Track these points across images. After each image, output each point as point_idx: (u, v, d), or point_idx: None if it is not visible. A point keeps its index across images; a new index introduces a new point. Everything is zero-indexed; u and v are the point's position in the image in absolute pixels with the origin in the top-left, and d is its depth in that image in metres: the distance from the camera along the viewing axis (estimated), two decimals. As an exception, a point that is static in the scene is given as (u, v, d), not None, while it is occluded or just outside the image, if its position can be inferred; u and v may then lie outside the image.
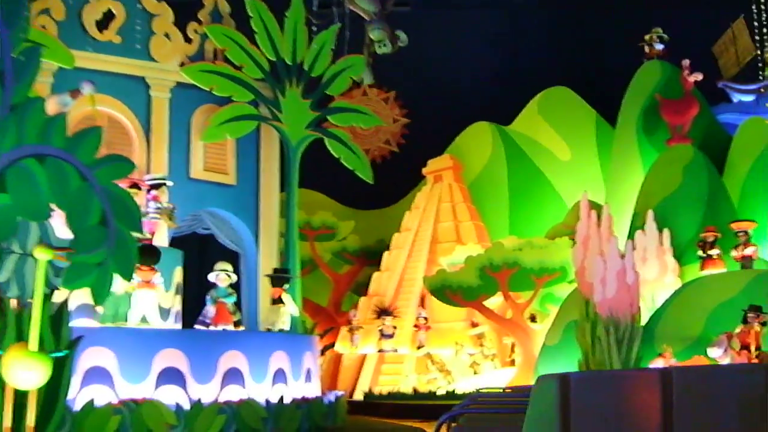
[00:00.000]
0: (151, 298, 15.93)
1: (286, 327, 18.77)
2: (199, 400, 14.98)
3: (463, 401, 12.51)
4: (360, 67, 22.46)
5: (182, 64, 20.47)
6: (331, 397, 18.33)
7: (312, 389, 18.09)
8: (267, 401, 15.98)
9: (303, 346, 18.02)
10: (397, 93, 35.48)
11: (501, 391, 15.01)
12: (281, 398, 16.24)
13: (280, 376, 16.78)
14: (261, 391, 16.16)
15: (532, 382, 21.11)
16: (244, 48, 21.14)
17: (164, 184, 17.85)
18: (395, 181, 33.44)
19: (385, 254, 31.01)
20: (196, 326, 17.19)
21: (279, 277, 19.21)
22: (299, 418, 16.45)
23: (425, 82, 34.93)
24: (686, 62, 26.31)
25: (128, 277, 10.47)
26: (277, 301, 18.93)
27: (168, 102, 20.21)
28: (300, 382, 17.48)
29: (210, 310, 17.32)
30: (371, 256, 32.36)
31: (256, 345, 16.48)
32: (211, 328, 17.10)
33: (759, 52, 28.27)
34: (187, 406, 14.82)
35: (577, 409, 5.65)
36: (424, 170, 32.05)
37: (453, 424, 11.51)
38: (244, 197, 21.18)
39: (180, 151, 20.22)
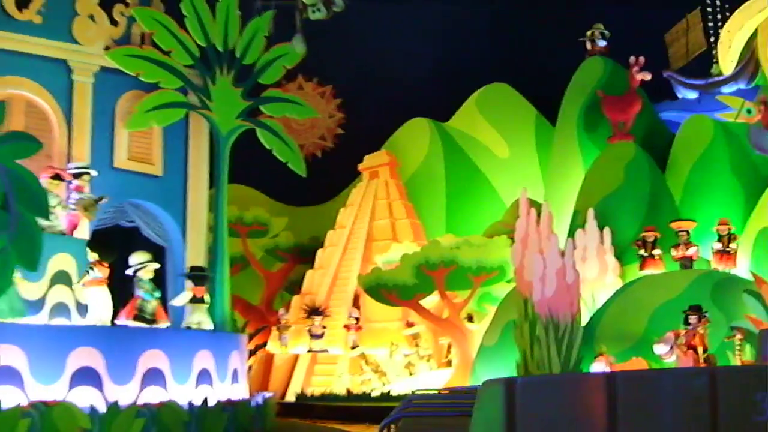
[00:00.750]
0: (105, 295, 15.15)
1: (209, 326, 17.88)
2: (116, 403, 14.09)
3: (402, 404, 12.29)
4: (295, 57, 21.59)
5: (107, 48, 19.58)
6: (258, 399, 17.45)
7: (239, 391, 17.26)
8: (190, 404, 15.11)
9: (229, 346, 17.18)
10: (334, 87, 35.26)
11: (437, 392, 14.40)
12: (205, 400, 15.37)
13: (204, 376, 15.92)
14: (184, 392, 15.30)
15: (468, 383, 20.95)
16: (173, 32, 20.25)
17: (87, 173, 16.89)
18: (330, 177, 33.16)
19: (319, 252, 30.57)
20: (136, 322, 16.22)
21: (200, 276, 18.29)
22: (224, 421, 15.60)
23: (362, 77, 34.08)
24: (636, 59, 25.90)
25: (32, 267, 9.55)
26: (199, 300, 18.03)
27: (91, 87, 19.31)
28: (226, 384, 16.64)
29: (151, 304, 16.43)
30: (304, 254, 31.88)
31: (178, 344, 15.60)
32: (155, 325, 16.20)
33: (714, 46, 27.92)
34: (102, 408, 13.92)
35: (523, 412, 5.70)
36: (360, 166, 31.58)
37: (392, 427, 11.45)
38: (171, 189, 20.28)
39: (103, 140, 19.29)
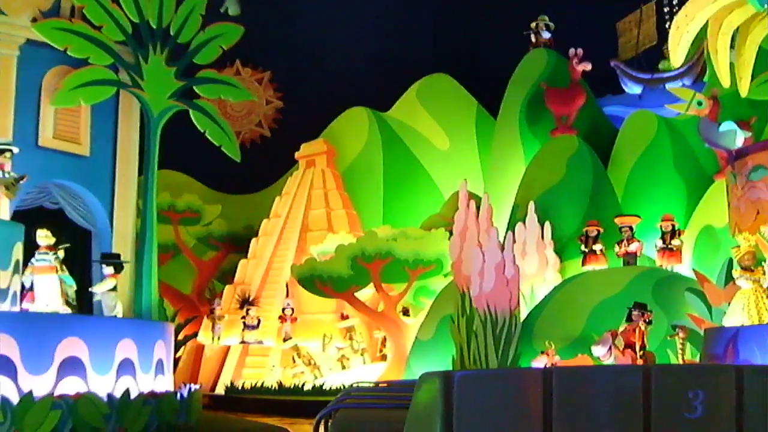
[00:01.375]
0: (54, 283, 14.77)
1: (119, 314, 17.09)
2: (30, 393, 13.22)
3: (340, 395, 12.03)
4: (232, 36, 20.77)
5: (34, 20, 18.55)
6: (184, 391, 16.67)
7: (164, 383, 16.46)
8: (109, 395, 14.28)
9: (154, 335, 16.35)
10: (272, 74, 34.83)
11: (375, 385, 14.21)
12: (126, 392, 14.55)
13: (126, 367, 15.09)
14: (104, 384, 14.46)
15: (402, 377, 20.48)
16: (104, 6, 19.30)
17: (9, 150, 16.02)
18: (266, 165, 32.82)
19: (253, 241, 30.03)
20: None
21: (116, 263, 17.48)
22: (147, 414, 14.80)
23: (301, 64, 33.85)
24: (577, 51, 25.57)
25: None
26: (114, 288, 17.23)
27: (16, 60, 18.30)
28: (150, 375, 15.84)
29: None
30: (238, 243, 31.25)
31: (99, 332, 14.74)
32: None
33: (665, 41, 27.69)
34: (15, 399, 13.04)
35: (460, 406, 5.71)
36: (297, 155, 31.13)
37: (330, 420, 11.06)
38: (99, 170, 19.34)
39: (28, 116, 18.30)
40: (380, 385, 14.72)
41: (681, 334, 17.00)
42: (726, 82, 15.21)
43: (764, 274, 13.79)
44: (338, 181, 30.52)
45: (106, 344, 14.73)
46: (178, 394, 16.43)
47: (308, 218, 29.66)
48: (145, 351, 15.76)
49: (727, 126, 14.16)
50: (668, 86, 24.87)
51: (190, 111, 20.17)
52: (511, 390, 6.06)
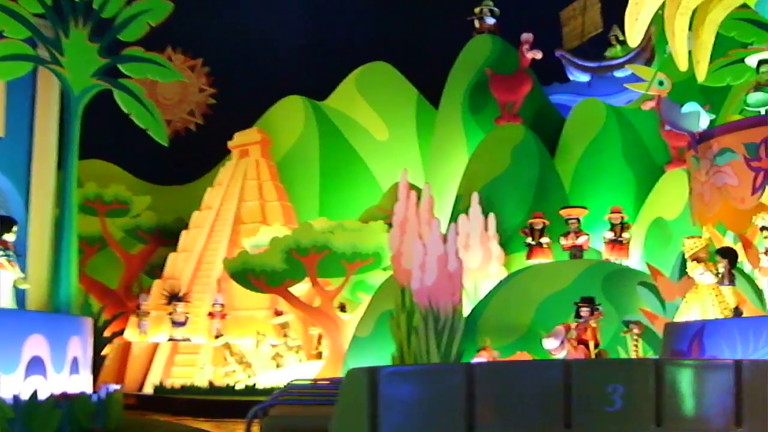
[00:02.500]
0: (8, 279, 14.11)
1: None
2: (-75, 395, 11.94)
3: (276, 392, 11.84)
4: (161, 13, 19.54)
5: (-59, -11, 17.24)
6: (102, 392, 15.40)
7: (79, 383, 15.18)
8: (16, 398, 12.98)
9: (68, 330, 15.06)
10: (205, 60, 34.16)
11: (312, 382, 13.80)
12: (34, 394, 13.25)
13: (36, 366, 13.78)
14: (10, 384, 13.15)
15: (340, 376, 19.49)
16: (21, -24, 18.02)
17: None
18: (198, 155, 32.54)
19: (183, 234, 29.48)
20: None
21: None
22: (58, 418, 13.51)
23: (236, 51, 33.58)
24: (528, 36, 24.99)
25: None
26: None
27: None
28: (63, 374, 14.56)
29: None
30: (168, 236, 30.66)
31: (5, 327, 13.42)
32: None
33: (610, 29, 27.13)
34: None
35: (385, 401, 5.73)
36: (230, 144, 30.56)
37: (264, 417, 10.77)
38: (14, 153, 17.96)
39: (-65, 92, 16.98)
40: (318, 382, 14.29)
41: (635, 330, 16.31)
42: (683, 66, 14.38)
43: (717, 268, 12.97)
44: (273, 172, 30.03)
45: (12, 340, 13.42)
46: (95, 396, 15.17)
47: (241, 210, 29.16)
48: (58, 348, 14.48)
49: (691, 107, 13.30)
50: (617, 73, 24.33)
51: (114, 91, 18.91)
52: (436, 385, 6.10)
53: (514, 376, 6.22)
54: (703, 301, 12.76)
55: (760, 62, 13.59)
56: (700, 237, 12.84)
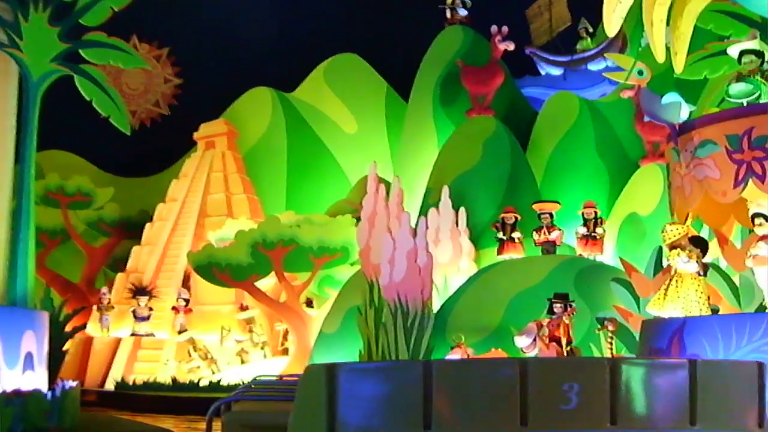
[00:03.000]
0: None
1: None
2: None
3: (239, 388, 11.90)
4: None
5: None
6: (58, 389, 14.86)
7: (34, 380, 14.62)
8: (-36, 396, 12.46)
9: (22, 325, 14.51)
10: (171, 50, 33.51)
11: (277, 378, 13.67)
12: (-16, 391, 12.73)
13: (-14, 362, 13.25)
14: (-42, 381, 12.63)
15: None
16: (-23, -43, 17.45)
17: None
18: (163, 147, 32.36)
19: (147, 227, 29.08)
20: None
21: None
22: (9, 416, 12.96)
23: (202, 40, 33.36)
24: (501, 29, 24.56)
25: None
26: None
27: None
28: (16, 371, 14.00)
29: None
30: (131, 229, 30.21)
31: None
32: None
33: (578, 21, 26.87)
34: None
35: (344, 398, 5.80)
36: (196, 135, 30.22)
37: (227, 413, 10.58)
38: (-31, 140, 17.40)
39: None
40: (283, 378, 14.05)
41: (610, 327, 15.85)
42: (661, 57, 14.07)
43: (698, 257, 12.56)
44: (239, 165, 29.72)
45: (-38, 335, 12.89)
46: (50, 393, 14.63)
47: (207, 203, 28.89)
48: (11, 343, 13.93)
49: (671, 98, 12.92)
50: (590, 66, 24.08)
51: (75, 77, 18.34)
52: (394, 382, 6.18)
53: (470, 373, 6.23)
54: (687, 294, 12.28)
55: (742, 52, 13.24)
56: (683, 224, 12.35)
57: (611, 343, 15.81)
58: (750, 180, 11.71)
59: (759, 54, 13.11)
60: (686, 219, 12.12)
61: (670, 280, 12.30)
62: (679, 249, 12.15)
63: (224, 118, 30.63)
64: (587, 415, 6.15)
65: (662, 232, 12.37)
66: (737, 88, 12.93)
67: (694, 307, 12.07)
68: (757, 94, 12.70)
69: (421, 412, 6.03)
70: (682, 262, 12.17)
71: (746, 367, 7.00)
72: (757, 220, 12.10)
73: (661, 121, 12.86)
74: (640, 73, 13.14)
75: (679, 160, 12.62)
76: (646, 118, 13.94)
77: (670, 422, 6.54)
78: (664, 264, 16.44)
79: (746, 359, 10.19)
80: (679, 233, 12.20)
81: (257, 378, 13.68)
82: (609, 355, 15.72)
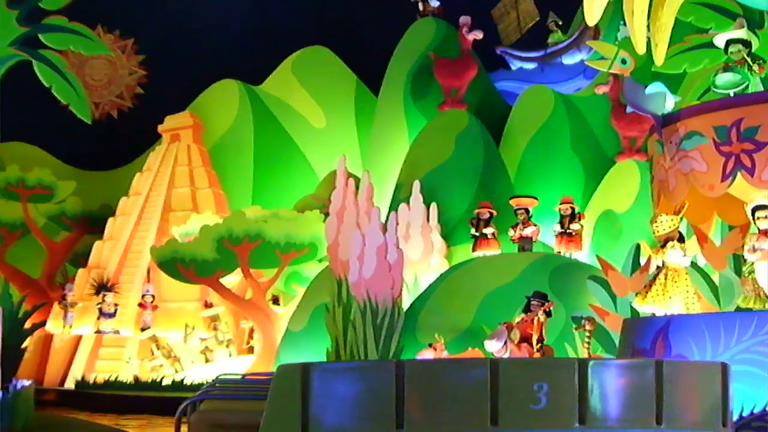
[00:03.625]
0: None
1: None
2: None
3: (205, 387, 11.58)
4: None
5: None
6: (10, 389, 14.19)
7: (-16, 378, 13.97)
8: None
9: (-29, 320, 13.88)
10: (136, 41, 33.57)
11: (241, 377, 13.34)
12: (-74, 392, 12.08)
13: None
14: None
15: (272, 371, 18.71)
16: (-68, -62, 16.86)
17: None
18: (128, 140, 31.95)
19: (110, 221, 28.59)
20: None
21: None
22: (-44, 418, 12.32)
23: (169, 32, 32.47)
24: (465, 19, 24.29)
25: None
26: None
27: None
28: (-35, 370, 13.35)
29: None
30: (94, 223, 29.70)
31: None
32: None
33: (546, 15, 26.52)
34: None
35: (318, 397, 5.91)
36: (160, 128, 29.71)
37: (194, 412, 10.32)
38: (-77, 128, 16.84)
39: None
40: (247, 377, 13.68)
41: (587, 327, 15.40)
42: (641, 48, 13.65)
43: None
44: (205, 158, 29.32)
45: None
46: (1, 394, 13.97)
47: (171, 197, 28.41)
48: (-40, 340, 13.31)
49: (656, 87, 12.43)
50: (564, 59, 23.72)
51: (34, 63, 17.79)
52: (367, 383, 6.25)
53: (441, 374, 6.30)
54: (686, 290, 11.76)
55: (729, 42, 12.79)
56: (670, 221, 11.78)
57: (588, 343, 15.39)
58: (738, 173, 11.27)
59: (746, 43, 12.68)
60: (680, 210, 11.55)
61: (663, 275, 11.75)
62: (675, 242, 11.64)
63: (190, 110, 30.11)
64: (556, 415, 6.20)
65: (653, 223, 11.82)
66: (724, 78, 12.51)
67: (693, 303, 11.58)
68: (744, 85, 12.29)
69: (393, 411, 6.07)
70: (680, 256, 11.65)
71: (710, 368, 7.08)
72: (759, 213, 11.55)
73: (644, 111, 12.38)
74: (624, 62, 12.69)
75: (663, 153, 12.15)
76: (629, 109, 13.42)
77: (637, 422, 6.60)
78: (642, 262, 16.23)
79: (736, 360, 9.91)
80: (674, 225, 11.67)
81: (220, 377, 13.26)
82: (586, 355, 15.35)
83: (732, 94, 12.29)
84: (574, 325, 16.36)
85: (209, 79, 30.95)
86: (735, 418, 9.50)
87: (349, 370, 6.87)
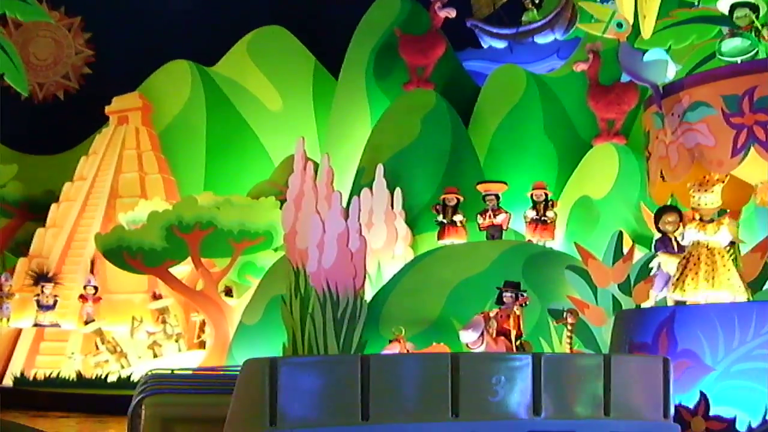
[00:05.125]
0: None
1: None
2: None
3: (145, 382, 10.38)
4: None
5: None
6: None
7: None
8: None
9: None
10: (83, 19, 32.84)
11: (171, 372, 12.17)
12: None
13: None
14: None
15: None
16: None
17: None
18: (74, 122, 30.90)
19: (53, 207, 27.62)
20: None
21: None
22: None
23: (117, 9, 31.72)
24: None
25: None
26: None
27: None
28: None
29: None
30: (36, 210, 28.86)
31: None
32: None
33: None
34: None
35: (285, 392, 6.05)
36: (107, 109, 28.59)
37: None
38: None
39: None
40: (198, 372, 13.21)
41: (569, 320, 14.42)
42: (630, 19, 12.55)
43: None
44: (154, 142, 28.33)
45: None
46: None
47: (118, 182, 27.41)
48: None
49: (655, 54, 11.31)
50: (537, 39, 22.81)
51: (-32, 31, 16.54)
52: (333, 376, 6.41)
53: (404, 368, 6.51)
54: (736, 274, 10.44)
55: (734, 6, 11.65)
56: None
57: (570, 338, 14.37)
58: (752, 147, 10.15)
59: (753, 7, 11.54)
60: (715, 184, 10.28)
61: (706, 256, 10.34)
62: (727, 217, 10.36)
63: (140, 92, 29.22)
64: (511, 406, 6.42)
65: (700, 192, 10.36)
66: (731, 44, 11.36)
67: (740, 288, 10.29)
68: (753, 51, 11.17)
69: (358, 404, 6.22)
70: (726, 238, 10.34)
71: (654, 361, 7.28)
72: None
73: (642, 80, 11.24)
74: (620, 25, 11.48)
75: (662, 127, 11.01)
76: (624, 78, 12.36)
77: (588, 413, 6.84)
78: (624, 251, 15.27)
79: (753, 356, 9.23)
80: (717, 202, 10.34)
81: (151, 372, 12.52)
82: (567, 350, 14.38)
83: (740, 62, 11.18)
84: (552, 319, 15.47)
85: (160, 60, 30.11)
86: (759, 421, 9.17)
87: (316, 364, 6.98)
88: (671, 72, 11.18)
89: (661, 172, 11.11)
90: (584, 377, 6.91)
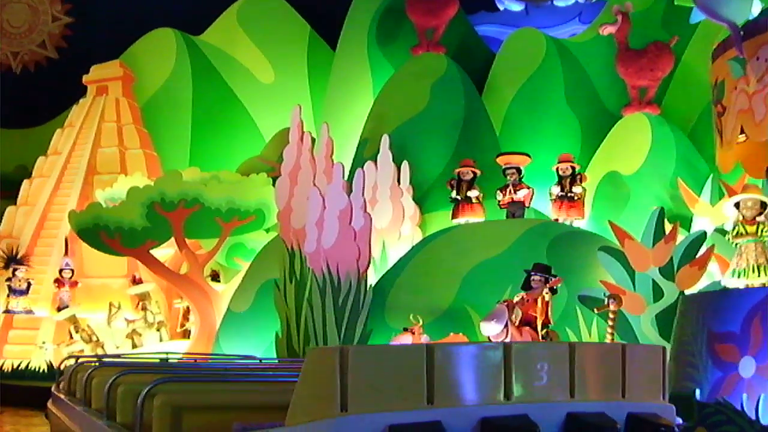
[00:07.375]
0: None
1: None
2: None
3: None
4: None
5: None
6: None
7: None
8: None
9: None
10: None
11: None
12: None
13: None
14: None
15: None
16: None
17: None
18: (50, 94, 30.31)
19: (25, 184, 26.86)
20: None
21: None
22: None
23: None
24: None
25: None
26: None
27: None
28: None
29: None
30: (7, 187, 27.91)
31: None
32: None
33: None
34: None
35: (356, 378, 5.89)
36: (85, 78, 27.63)
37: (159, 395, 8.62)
38: None
39: None
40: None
41: (612, 307, 12.94)
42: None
43: None
44: (136, 115, 27.50)
45: None
46: None
47: (96, 157, 26.46)
48: None
49: (734, -10, 9.62)
50: (556, 2, 21.39)
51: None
52: (399, 364, 6.03)
53: (463, 355, 6.29)
54: None
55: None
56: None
57: (613, 326, 12.83)
58: None
59: None
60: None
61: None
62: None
63: (121, 61, 28.30)
64: (553, 390, 6.33)
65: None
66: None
67: None
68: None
69: (423, 390, 6.11)
70: None
71: (655, 350, 7.06)
72: None
73: (720, 18, 9.59)
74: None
75: (744, 74, 9.28)
76: (696, 18, 10.61)
77: (610, 396, 6.87)
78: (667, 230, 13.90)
79: None
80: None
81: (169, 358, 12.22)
82: (609, 341, 12.77)
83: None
84: (589, 307, 14.01)
85: (143, 28, 29.18)
86: None
87: (383, 352, 6.60)
88: (756, 8, 9.43)
89: (742, 128, 9.34)
90: (605, 363, 6.89)
